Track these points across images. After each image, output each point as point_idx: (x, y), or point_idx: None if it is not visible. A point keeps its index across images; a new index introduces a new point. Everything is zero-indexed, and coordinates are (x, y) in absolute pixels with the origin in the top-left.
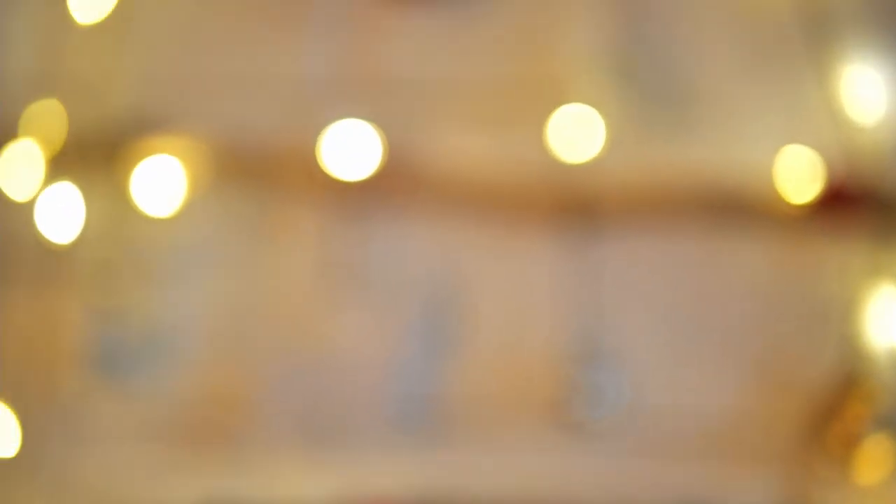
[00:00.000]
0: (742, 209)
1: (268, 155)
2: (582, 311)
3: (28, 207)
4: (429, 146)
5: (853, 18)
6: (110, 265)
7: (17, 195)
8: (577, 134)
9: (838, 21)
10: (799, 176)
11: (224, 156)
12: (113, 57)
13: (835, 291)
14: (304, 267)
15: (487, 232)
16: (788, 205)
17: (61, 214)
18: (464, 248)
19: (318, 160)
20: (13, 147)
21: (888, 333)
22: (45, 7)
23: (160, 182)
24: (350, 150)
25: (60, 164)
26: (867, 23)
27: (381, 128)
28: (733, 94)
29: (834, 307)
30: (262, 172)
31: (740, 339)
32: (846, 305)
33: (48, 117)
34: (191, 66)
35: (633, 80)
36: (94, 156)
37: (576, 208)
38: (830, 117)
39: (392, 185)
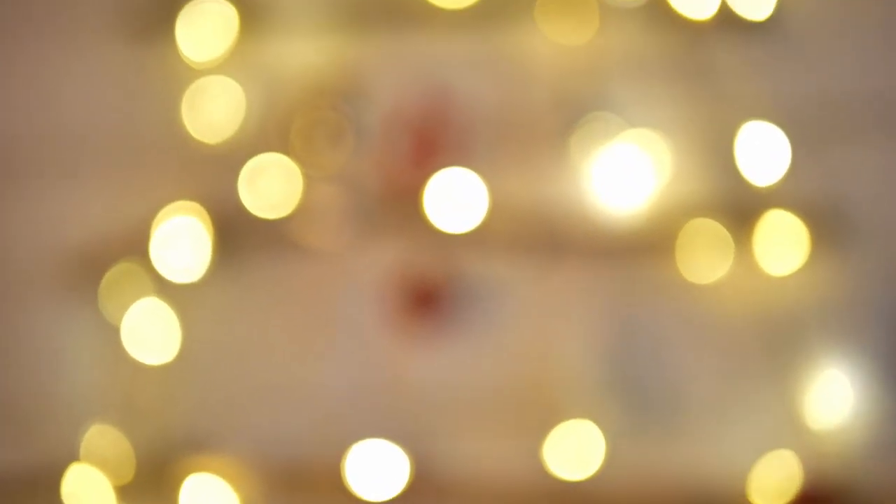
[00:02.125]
0: None
1: (299, 469)
2: None
3: None
4: (437, 453)
5: (823, 327)
6: None
7: None
8: (576, 450)
9: (809, 331)
10: (776, 479)
11: (259, 471)
12: (164, 384)
13: None
14: None
15: None
16: None
17: None
18: None
19: (346, 480)
20: (75, 470)
21: None
22: (103, 334)
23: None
24: (375, 468)
25: (124, 491)
26: (835, 329)
27: (398, 440)
28: (718, 401)
29: None
30: (293, 488)
31: None
32: None
33: (107, 441)
34: (227, 386)
35: (626, 387)
36: (148, 478)
37: None
38: (804, 423)
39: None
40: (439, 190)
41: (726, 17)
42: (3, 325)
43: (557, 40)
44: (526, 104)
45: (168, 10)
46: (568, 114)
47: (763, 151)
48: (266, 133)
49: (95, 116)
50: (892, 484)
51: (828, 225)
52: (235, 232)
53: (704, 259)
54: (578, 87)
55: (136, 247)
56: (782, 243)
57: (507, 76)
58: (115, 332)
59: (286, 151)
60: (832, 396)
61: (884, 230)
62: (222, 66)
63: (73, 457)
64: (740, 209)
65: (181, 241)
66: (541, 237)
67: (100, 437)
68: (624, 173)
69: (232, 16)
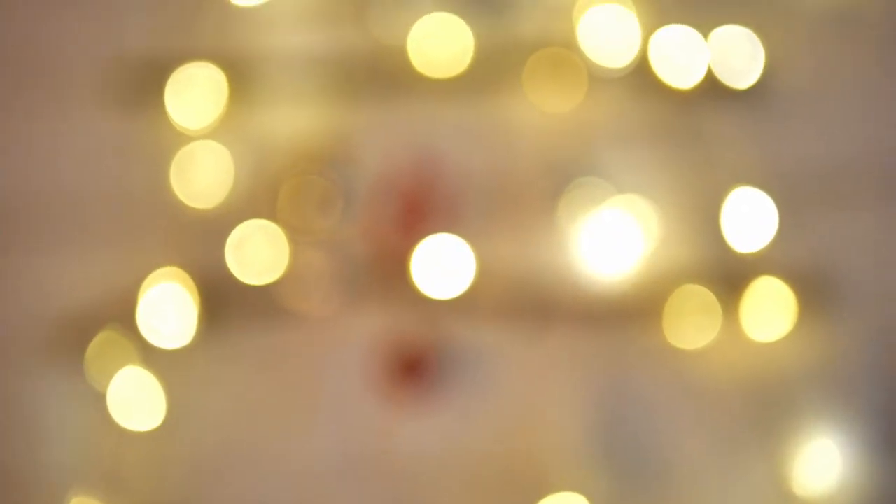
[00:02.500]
0: None
1: None
2: None
3: None
4: None
5: (811, 393)
6: None
7: None
8: None
9: (797, 397)
10: None
11: None
12: (150, 451)
13: None
14: None
15: None
16: None
17: None
18: None
19: None
20: None
21: None
22: (88, 401)
23: None
24: None
25: None
26: (823, 396)
27: None
28: (706, 467)
29: None
30: None
31: None
32: None
33: None
34: (212, 454)
35: (614, 454)
36: None
37: None
38: (793, 490)
39: None
40: (427, 256)
41: (712, 85)
42: None
43: (545, 108)
44: (514, 170)
45: (158, 75)
46: (556, 180)
47: (750, 217)
48: (255, 198)
49: (84, 182)
50: None
51: (815, 291)
52: (222, 298)
53: (692, 325)
54: (566, 153)
55: (122, 313)
56: (770, 309)
57: (496, 143)
58: (101, 398)
59: (274, 217)
60: (820, 464)
61: (871, 296)
62: (212, 132)
63: None
64: (728, 275)
65: (168, 308)
66: (529, 303)
67: None
68: (612, 239)
69: (221, 81)
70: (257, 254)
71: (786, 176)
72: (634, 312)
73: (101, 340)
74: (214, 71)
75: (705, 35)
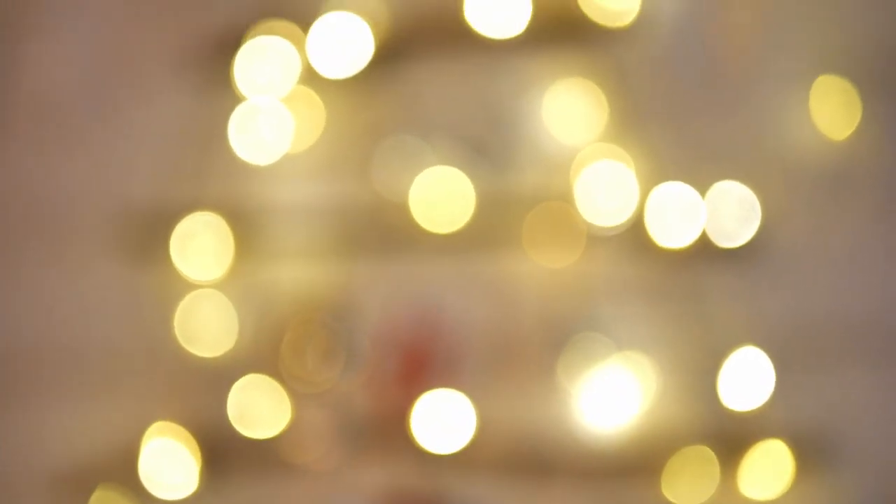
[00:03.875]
0: None
1: None
2: None
3: None
4: None
5: None
6: None
7: None
8: None
9: None
10: None
11: None
12: None
13: None
14: None
15: None
16: None
17: None
18: None
19: None
20: None
21: None
22: None
23: None
24: None
25: None
26: None
27: None
28: None
29: None
30: None
31: None
32: None
33: None
34: None
35: None
36: None
37: None
38: None
39: None
40: (427, 410)
41: (709, 242)
42: None
43: (544, 263)
44: (514, 325)
45: (164, 225)
46: (555, 335)
47: (748, 376)
48: (257, 349)
49: (87, 332)
50: None
51: (813, 450)
52: (223, 451)
53: (690, 483)
54: (565, 308)
55: (123, 465)
56: (768, 468)
57: (496, 297)
58: None
59: (276, 368)
60: None
61: (870, 456)
62: (216, 282)
63: None
64: (725, 433)
65: (169, 460)
66: (528, 459)
67: None
68: (611, 395)
69: (226, 232)
70: (259, 407)
71: (783, 334)
72: (633, 469)
73: (104, 493)
74: (219, 221)
75: (703, 192)
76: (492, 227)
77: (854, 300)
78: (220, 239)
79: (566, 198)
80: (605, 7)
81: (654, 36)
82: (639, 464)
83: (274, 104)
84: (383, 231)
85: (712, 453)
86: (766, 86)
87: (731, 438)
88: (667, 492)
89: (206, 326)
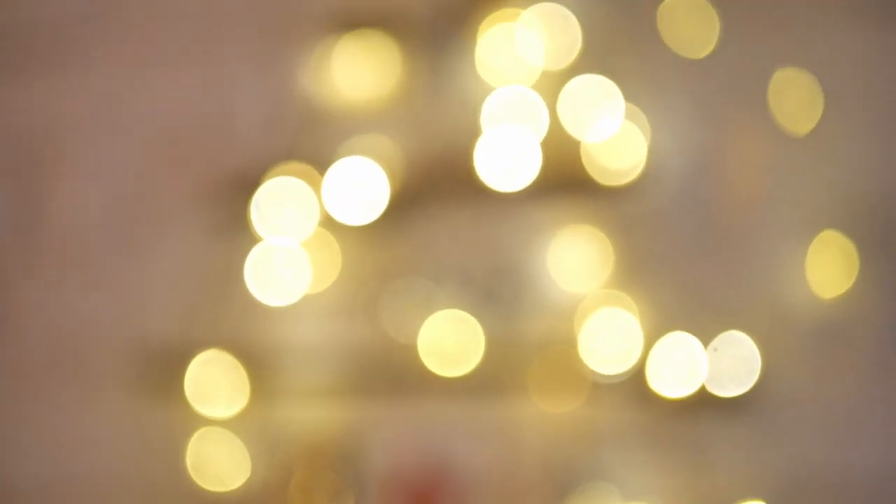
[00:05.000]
0: None
1: None
2: None
3: None
4: None
5: None
6: None
7: None
8: None
9: None
10: None
11: None
12: None
13: None
14: None
15: None
16: None
17: None
18: None
19: None
20: None
21: None
22: None
23: None
24: None
25: None
26: None
27: None
28: None
29: None
30: None
31: None
32: None
33: None
34: None
35: None
36: None
37: None
38: None
39: None
40: None
41: (708, 394)
42: None
43: (548, 408)
44: (519, 471)
45: (178, 361)
46: (560, 482)
47: None
48: (266, 488)
49: (101, 467)
50: None
51: None
52: None
53: None
54: (569, 455)
55: None
56: None
57: (501, 442)
58: None
59: None
60: None
61: None
62: (228, 420)
63: None
64: None
65: None
66: None
67: None
68: None
69: (239, 370)
70: None
71: (783, 485)
72: None
73: None
74: (232, 360)
75: (704, 342)
76: (498, 372)
77: (853, 452)
78: (232, 377)
79: (571, 344)
80: (609, 167)
81: (657, 189)
82: None
83: (290, 246)
84: (393, 373)
85: None
86: (767, 240)
87: None
88: None
89: (217, 462)
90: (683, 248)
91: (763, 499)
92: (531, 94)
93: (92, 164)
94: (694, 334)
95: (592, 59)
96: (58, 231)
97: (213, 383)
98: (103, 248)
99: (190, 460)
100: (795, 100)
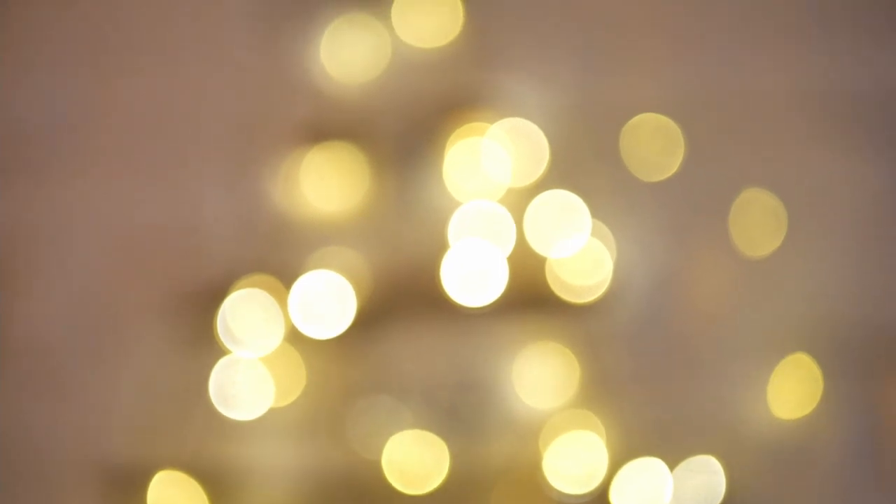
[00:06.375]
0: None
1: None
2: None
3: None
4: None
5: None
6: None
7: None
8: None
9: None
10: None
11: None
12: None
13: None
14: None
15: None
16: None
17: None
18: None
19: None
20: None
21: None
22: None
23: None
24: None
25: None
26: None
27: None
28: None
29: None
30: None
31: None
32: None
33: None
34: None
35: None
36: None
37: None
38: None
39: None
40: None
41: None
42: None
43: None
44: None
45: (140, 480)
46: None
47: None
48: None
49: None
50: None
51: None
52: None
53: None
54: None
55: None
56: None
57: None
58: None
59: None
60: None
61: None
62: None
63: None
64: None
65: None
66: None
67: None
68: None
69: (199, 492)
70: None
71: None
72: None
73: None
74: (193, 482)
75: (669, 462)
76: (463, 490)
77: None
78: (192, 498)
79: (535, 465)
80: (574, 284)
81: (623, 307)
82: None
83: (255, 359)
84: (357, 491)
85: None
86: (731, 359)
87: None
88: None
89: None
90: (648, 366)
91: None
92: (498, 209)
93: (55, 274)
94: (658, 455)
95: (559, 175)
96: (20, 343)
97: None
98: (66, 361)
99: None
100: (759, 220)
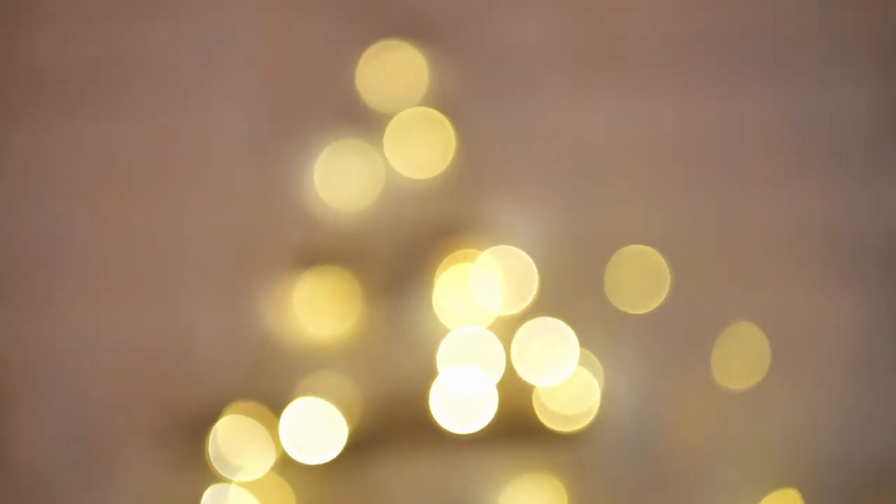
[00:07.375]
0: None
1: None
2: None
3: None
4: None
5: None
6: None
7: None
8: None
9: None
10: None
11: None
12: None
13: None
14: None
15: None
16: None
17: None
18: None
19: None
20: None
21: None
22: None
23: None
24: None
25: None
26: None
27: None
28: None
29: None
30: None
31: None
32: None
33: None
34: None
35: None
36: None
37: None
38: None
39: None
40: None
41: None
42: None
43: None
44: None
45: None
46: None
47: None
48: None
49: None
50: None
51: None
52: None
53: None
54: None
55: None
56: None
57: None
58: None
59: None
60: None
61: None
62: None
63: None
64: None
65: None
66: None
67: None
68: None
69: None
70: None
71: None
72: None
73: None
74: None
75: None
76: None
77: None
78: None
79: None
80: (562, 412)
81: (610, 437)
82: None
83: (245, 485)
84: None
85: None
86: (717, 492)
87: None
88: None
89: None
90: (634, 496)
91: None
92: (488, 336)
93: (45, 399)
94: None
95: (548, 303)
96: (18, 466)
97: None
98: (59, 486)
99: None
100: (744, 354)
